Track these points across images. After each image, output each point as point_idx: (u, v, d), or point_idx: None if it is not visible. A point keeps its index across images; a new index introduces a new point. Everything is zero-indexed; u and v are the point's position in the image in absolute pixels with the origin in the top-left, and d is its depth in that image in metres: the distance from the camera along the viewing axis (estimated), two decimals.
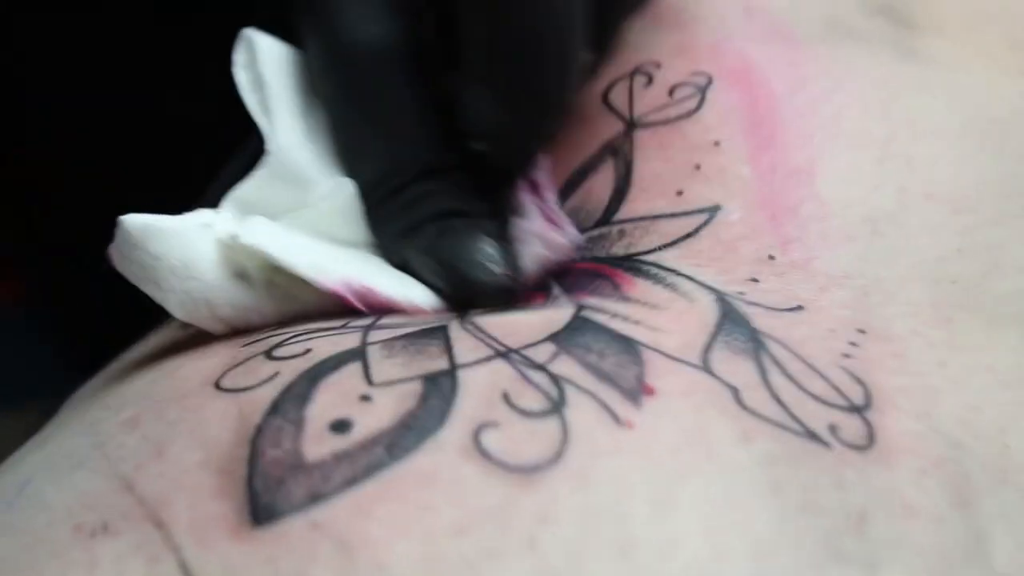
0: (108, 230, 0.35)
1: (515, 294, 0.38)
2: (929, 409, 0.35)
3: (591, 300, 0.36)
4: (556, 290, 0.38)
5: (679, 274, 0.38)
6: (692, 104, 0.43)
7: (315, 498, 0.29)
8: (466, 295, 0.38)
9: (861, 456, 0.32)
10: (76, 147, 0.65)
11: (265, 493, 0.29)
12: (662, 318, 0.35)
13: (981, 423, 0.35)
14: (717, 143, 0.41)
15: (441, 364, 0.32)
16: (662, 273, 0.38)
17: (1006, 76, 0.45)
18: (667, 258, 0.39)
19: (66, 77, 0.64)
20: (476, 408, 0.31)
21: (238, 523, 0.29)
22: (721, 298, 0.37)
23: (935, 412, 0.35)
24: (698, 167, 0.41)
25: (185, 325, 0.37)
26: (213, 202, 0.39)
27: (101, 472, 0.31)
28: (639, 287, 0.37)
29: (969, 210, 0.41)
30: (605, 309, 0.36)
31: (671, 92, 0.43)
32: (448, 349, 0.33)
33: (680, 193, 0.40)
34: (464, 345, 0.33)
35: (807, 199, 0.40)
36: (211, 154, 0.43)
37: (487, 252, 0.38)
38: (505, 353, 0.33)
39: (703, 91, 0.43)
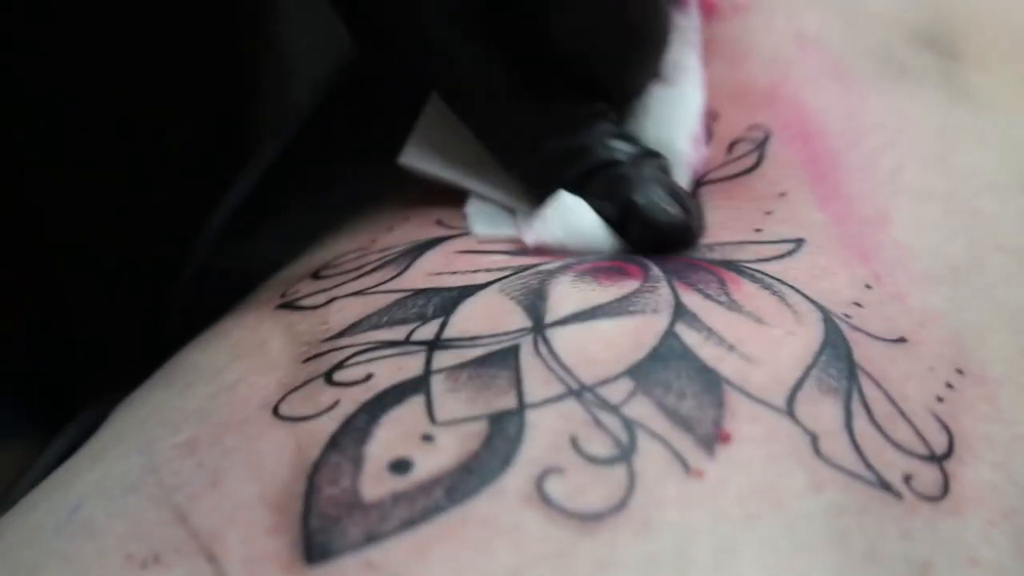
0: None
1: (693, 234, 0.39)
2: (1009, 459, 0.34)
3: (692, 298, 0.36)
4: (655, 271, 0.37)
5: (785, 283, 0.37)
6: (752, 160, 0.42)
7: (371, 538, 0.28)
8: (651, 240, 0.38)
9: (932, 506, 0.32)
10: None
11: (320, 532, 0.29)
12: (761, 341, 0.35)
13: None
14: (783, 194, 0.41)
15: (508, 402, 0.32)
16: (768, 279, 0.37)
17: None
18: (771, 268, 0.38)
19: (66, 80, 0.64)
20: (542, 453, 0.30)
21: (291, 561, 0.28)
22: (828, 318, 0.36)
23: (1015, 462, 0.34)
24: (769, 213, 0.40)
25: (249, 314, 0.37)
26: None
27: (154, 500, 0.31)
28: (746, 289, 0.36)
29: None
30: (702, 320, 0.35)
31: (730, 148, 0.43)
32: (517, 382, 0.32)
33: (759, 231, 0.40)
34: (535, 379, 0.32)
35: (886, 243, 0.40)
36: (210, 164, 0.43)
37: (662, 195, 0.39)
38: (578, 391, 0.32)
39: (761, 147, 0.43)
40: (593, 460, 0.30)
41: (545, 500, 0.29)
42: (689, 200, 0.39)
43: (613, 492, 0.29)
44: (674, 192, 0.39)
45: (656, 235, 0.38)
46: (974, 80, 0.46)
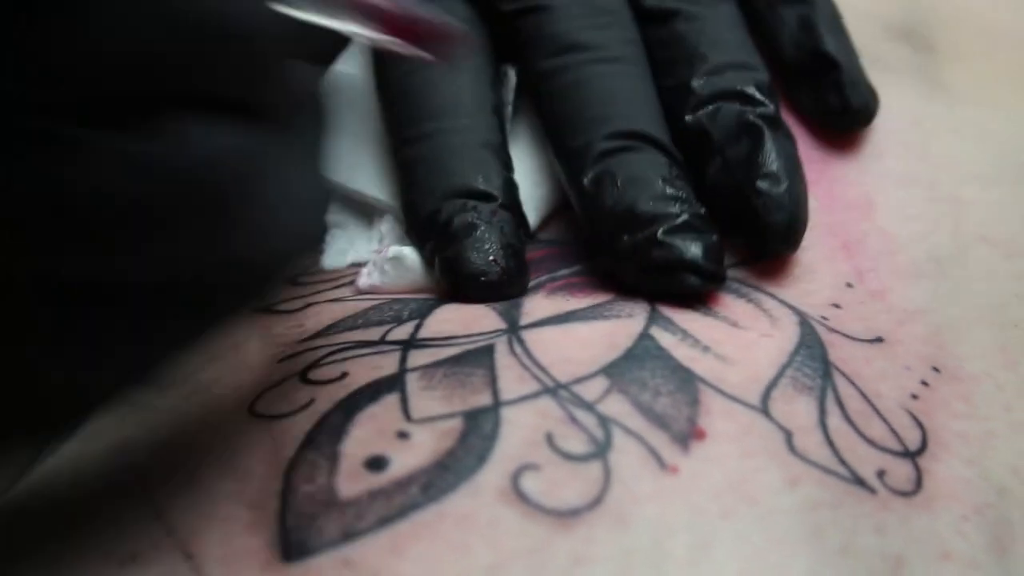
0: None
1: (507, 291, 0.38)
2: (982, 455, 0.35)
3: (667, 306, 0.36)
4: (635, 297, 0.38)
5: (761, 291, 0.38)
6: None
7: (348, 536, 0.29)
8: (458, 290, 0.38)
9: (905, 501, 0.32)
10: None
11: (297, 529, 0.29)
12: (736, 343, 0.35)
13: None
14: None
15: (484, 399, 0.32)
16: (744, 288, 0.38)
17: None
18: (748, 276, 0.39)
19: None
20: (517, 450, 0.31)
21: (269, 558, 0.29)
22: (804, 320, 0.37)
23: (988, 458, 0.35)
24: None
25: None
26: None
27: (132, 498, 0.31)
28: (721, 299, 0.37)
29: (1020, 255, 0.41)
30: (678, 324, 0.35)
31: None
32: (493, 380, 0.33)
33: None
34: (510, 376, 0.33)
35: (872, 232, 0.41)
36: None
37: (487, 250, 0.38)
38: (553, 389, 0.32)
39: None
40: (569, 457, 0.30)
41: (521, 496, 0.29)
42: (517, 258, 0.39)
43: (589, 488, 0.30)
44: (507, 246, 0.38)
45: (464, 287, 0.38)
46: (950, 74, 0.46)
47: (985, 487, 0.34)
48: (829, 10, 0.45)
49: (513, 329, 0.35)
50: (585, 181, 0.39)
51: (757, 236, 0.39)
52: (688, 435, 0.31)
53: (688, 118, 0.40)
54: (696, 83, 0.41)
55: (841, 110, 0.43)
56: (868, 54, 0.45)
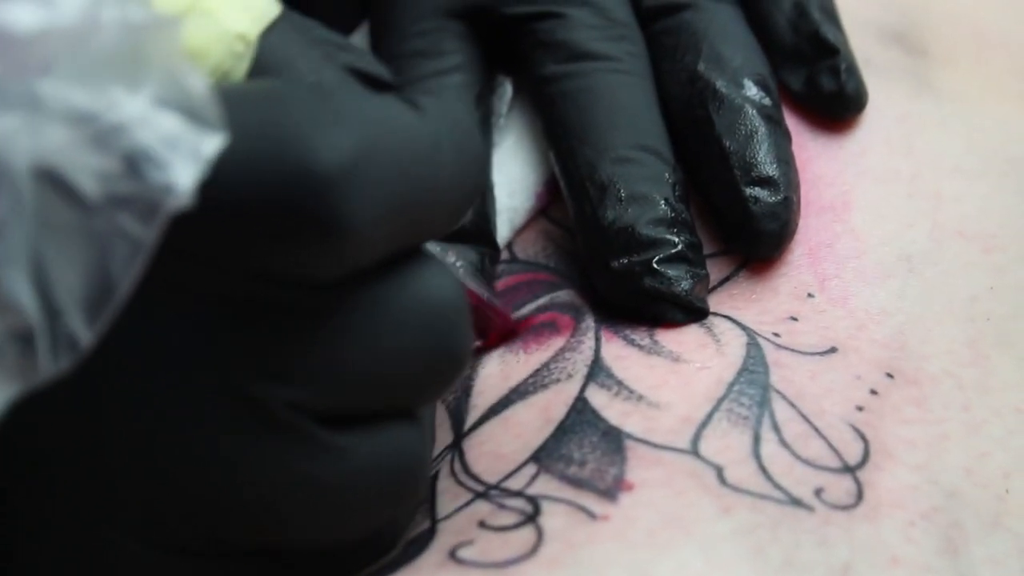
0: None
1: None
2: (932, 460, 0.37)
3: (613, 347, 0.40)
4: (587, 321, 0.41)
5: (717, 314, 0.41)
6: None
7: None
8: None
9: (846, 514, 0.35)
10: None
11: None
12: (673, 382, 0.38)
13: (985, 469, 0.37)
14: None
15: (423, 526, 0.36)
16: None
17: (1017, 110, 0.47)
18: (716, 296, 0.42)
19: None
20: (452, 536, 0.35)
21: None
22: (753, 341, 0.39)
23: (937, 462, 0.37)
24: None
25: None
26: None
27: None
28: (673, 328, 0.40)
29: (999, 249, 0.43)
30: (616, 375, 0.39)
31: None
32: (431, 508, 0.37)
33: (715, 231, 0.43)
34: (445, 497, 0.37)
35: (843, 234, 0.43)
36: None
37: None
38: (484, 493, 0.36)
39: None
40: (500, 529, 0.34)
41: (459, 561, 0.34)
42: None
43: (523, 544, 0.34)
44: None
45: None
46: (940, 76, 0.48)
47: (933, 491, 0.36)
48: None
49: (457, 441, 0.39)
50: (590, 188, 0.42)
51: (746, 239, 0.42)
52: (616, 489, 0.35)
53: (692, 103, 0.43)
54: (702, 67, 0.44)
55: (835, 95, 0.45)
56: (860, 57, 0.46)
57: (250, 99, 0.29)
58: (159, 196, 0.25)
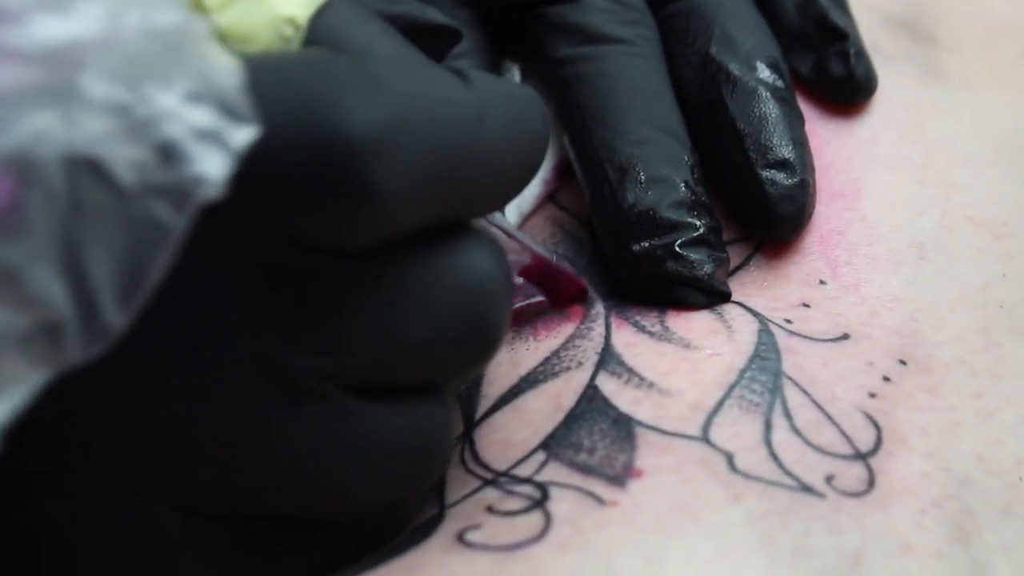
0: None
1: None
2: (944, 447, 0.37)
3: (623, 334, 0.40)
4: (597, 307, 0.41)
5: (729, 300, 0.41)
6: None
7: None
8: None
9: (857, 501, 0.35)
10: None
11: None
12: (683, 369, 0.38)
13: (998, 456, 0.38)
14: None
15: (431, 512, 0.36)
16: None
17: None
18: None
19: None
20: (460, 521, 0.35)
21: None
22: (764, 328, 0.40)
23: (950, 450, 0.37)
24: None
25: None
26: None
27: None
28: (683, 314, 0.41)
29: (1009, 236, 0.43)
30: (626, 362, 0.39)
31: None
32: (440, 495, 0.37)
33: (727, 217, 0.43)
34: (455, 485, 0.37)
35: (854, 221, 0.43)
36: None
37: None
38: (493, 480, 0.37)
39: None
40: (508, 514, 0.35)
41: (466, 544, 0.34)
42: None
43: (531, 528, 0.34)
44: None
45: None
46: (949, 63, 0.48)
47: (945, 479, 0.36)
48: None
49: (468, 431, 0.39)
50: (609, 170, 0.42)
51: (763, 222, 0.42)
52: (625, 476, 0.35)
53: (705, 86, 0.43)
54: (714, 50, 0.44)
55: (845, 79, 0.45)
56: (868, 44, 0.47)
57: (287, 67, 0.30)
58: (190, 187, 0.26)
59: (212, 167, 0.26)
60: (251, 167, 0.28)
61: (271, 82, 0.29)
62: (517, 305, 0.41)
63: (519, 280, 0.40)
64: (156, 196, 0.26)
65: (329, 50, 0.34)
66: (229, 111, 0.27)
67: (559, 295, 0.41)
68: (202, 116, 0.27)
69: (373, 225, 0.30)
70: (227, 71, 0.27)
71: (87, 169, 0.26)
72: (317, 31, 0.35)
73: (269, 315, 0.30)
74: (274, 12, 0.35)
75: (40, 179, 0.25)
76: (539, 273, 0.40)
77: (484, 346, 0.33)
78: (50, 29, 0.26)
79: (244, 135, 0.27)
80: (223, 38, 0.34)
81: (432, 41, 0.39)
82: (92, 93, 0.26)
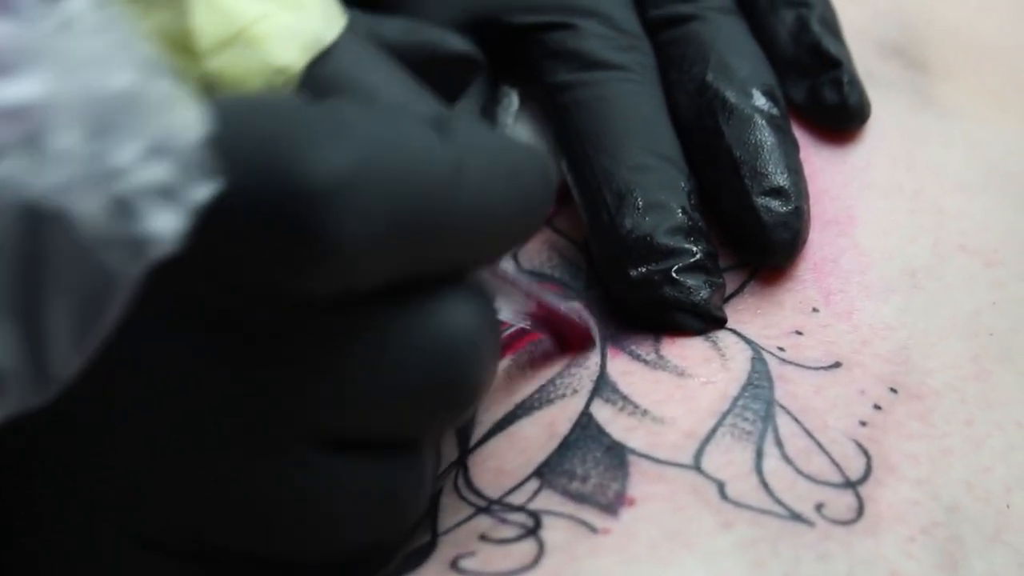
0: None
1: None
2: (933, 475, 0.38)
3: (618, 362, 0.41)
4: (596, 335, 0.42)
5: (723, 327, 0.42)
6: None
7: None
8: None
9: (846, 530, 0.36)
10: None
11: None
12: (677, 397, 0.39)
13: (987, 484, 0.39)
14: None
15: (424, 539, 0.37)
16: None
17: (1017, 124, 0.48)
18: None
19: None
20: (453, 548, 0.36)
21: None
22: (758, 356, 0.40)
23: (939, 477, 0.38)
24: None
25: None
26: None
27: None
28: (678, 342, 0.41)
29: (1000, 263, 0.44)
30: (621, 390, 0.40)
31: None
32: (433, 523, 0.38)
33: (723, 244, 0.44)
34: (447, 512, 0.38)
35: (847, 249, 0.44)
36: None
37: None
38: (486, 508, 0.37)
39: None
40: (501, 542, 0.36)
41: (460, 571, 0.35)
42: None
43: (525, 556, 0.35)
44: None
45: None
46: (940, 90, 0.49)
47: (934, 507, 0.37)
48: (828, 12, 0.48)
49: (462, 458, 0.40)
50: (607, 195, 0.43)
51: (758, 249, 0.43)
52: (617, 504, 0.36)
53: (700, 113, 0.44)
54: (711, 77, 0.45)
55: (838, 107, 0.46)
56: (861, 71, 0.47)
57: (253, 112, 0.30)
58: (143, 241, 0.27)
59: (165, 224, 0.27)
60: (210, 213, 0.28)
61: (235, 129, 0.29)
62: (509, 332, 0.42)
63: (524, 322, 0.40)
64: (111, 247, 0.27)
65: (303, 95, 0.34)
66: (187, 167, 0.27)
67: (566, 342, 0.41)
68: (159, 172, 0.27)
69: (333, 274, 0.30)
70: (189, 126, 0.27)
71: (47, 218, 0.26)
72: (316, 80, 0.36)
73: (236, 367, 0.31)
74: (266, 60, 0.35)
75: None
76: (547, 320, 0.40)
77: (458, 403, 0.33)
78: (4, 90, 0.26)
79: (202, 191, 0.27)
80: (213, 83, 0.34)
81: (453, 70, 0.39)
82: (54, 144, 0.26)
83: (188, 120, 0.28)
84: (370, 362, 0.31)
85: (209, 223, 0.28)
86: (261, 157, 0.29)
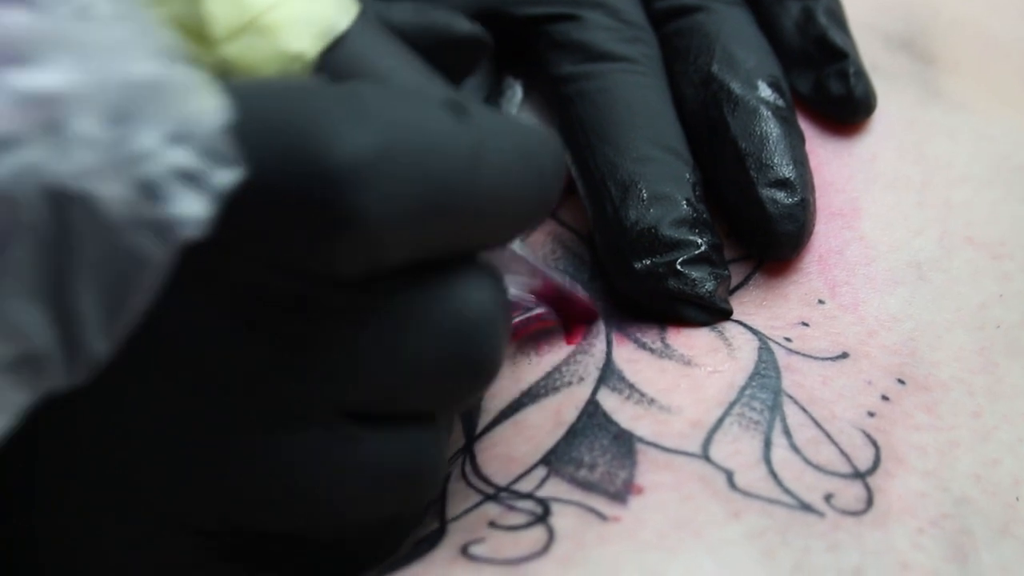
0: None
1: None
2: (942, 467, 0.38)
3: (624, 350, 0.41)
4: (598, 324, 0.42)
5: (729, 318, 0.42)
6: None
7: None
8: None
9: (856, 520, 0.36)
10: None
11: None
12: (684, 386, 0.39)
13: (996, 476, 0.39)
14: None
15: (433, 526, 0.37)
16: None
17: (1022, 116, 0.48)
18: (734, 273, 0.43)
19: None
20: (463, 535, 0.36)
21: None
22: (765, 346, 0.40)
23: (948, 469, 0.38)
24: None
25: None
26: None
27: None
28: (684, 332, 0.41)
29: (1007, 256, 0.44)
30: (628, 378, 0.40)
31: None
32: (441, 510, 0.38)
33: (728, 236, 0.44)
34: (455, 499, 0.38)
35: (853, 241, 0.44)
36: None
37: None
38: (494, 495, 0.37)
39: None
40: (511, 528, 0.35)
41: (470, 557, 0.35)
42: None
43: (534, 543, 0.35)
44: None
45: None
46: (947, 83, 0.49)
47: (943, 498, 0.37)
48: (834, 4, 0.48)
49: (469, 444, 0.40)
50: (611, 187, 0.43)
51: (763, 241, 0.43)
52: (626, 492, 0.36)
53: (706, 104, 0.44)
54: (716, 69, 0.45)
55: (844, 99, 0.46)
56: (868, 63, 0.47)
57: (274, 96, 0.30)
58: (170, 225, 0.27)
59: (192, 208, 0.27)
60: (238, 196, 0.28)
61: (258, 112, 0.29)
62: (517, 319, 0.42)
63: (530, 298, 0.40)
64: (139, 230, 0.27)
65: (321, 78, 0.35)
66: (210, 153, 0.28)
67: (571, 318, 0.41)
68: (182, 158, 0.27)
69: (360, 252, 0.30)
70: (210, 113, 0.28)
71: (73, 202, 0.26)
72: (331, 66, 0.36)
73: (259, 341, 0.31)
74: (281, 48, 0.35)
75: (23, 213, 0.26)
76: (551, 297, 0.40)
77: (477, 379, 0.33)
78: (26, 80, 0.26)
79: (226, 177, 0.28)
80: (228, 70, 0.35)
81: (461, 53, 0.40)
82: (76, 130, 0.26)
83: (209, 106, 0.28)
84: (393, 338, 0.32)
85: (237, 206, 0.28)
86: (286, 139, 0.29)
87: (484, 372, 0.33)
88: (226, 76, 0.31)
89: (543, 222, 0.36)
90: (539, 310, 0.42)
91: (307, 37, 0.36)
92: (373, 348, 0.32)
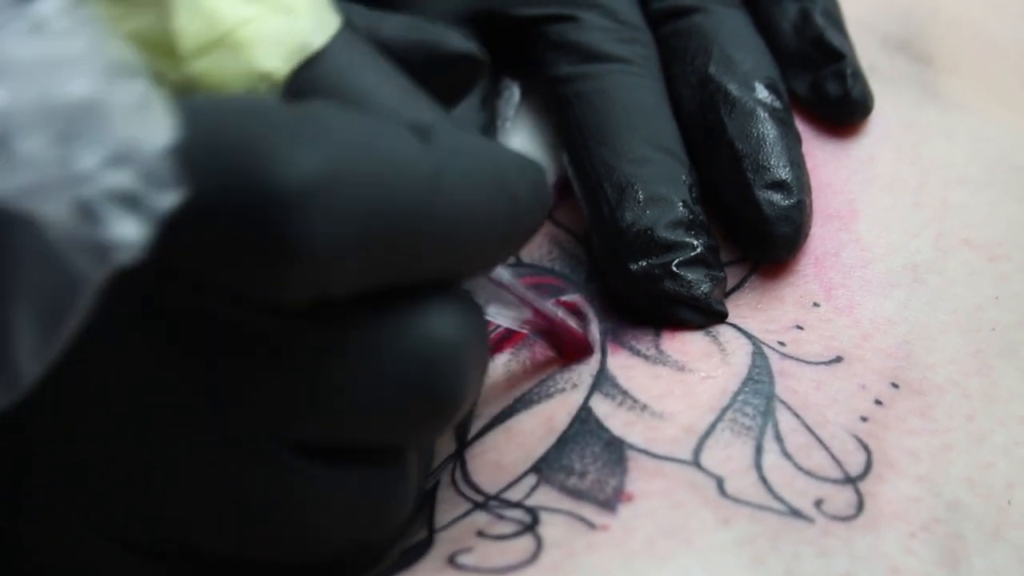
0: None
1: None
2: (935, 471, 0.38)
3: (618, 358, 0.41)
4: (595, 329, 0.42)
5: (723, 322, 0.42)
6: None
7: None
8: None
9: (846, 525, 0.36)
10: None
11: None
12: (677, 391, 0.39)
13: (989, 480, 0.39)
14: None
15: (421, 535, 0.37)
16: None
17: (1022, 118, 0.48)
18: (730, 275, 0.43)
19: None
20: (450, 545, 0.36)
21: None
22: (758, 351, 0.41)
23: (940, 473, 0.38)
24: None
25: None
26: None
27: None
28: (678, 337, 0.41)
29: (1004, 258, 0.44)
30: (621, 384, 0.40)
31: None
32: (430, 518, 0.38)
33: (725, 238, 0.44)
34: (445, 507, 0.38)
35: (849, 243, 0.44)
36: None
37: None
38: (483, 503, 0.38)
39: None
40: (499, 537, 0.36)
41: (458, 566, 0.35)
42: None
43: (523, 552, 0.35)
44: None
45: None
46: (945, 84, 0.49)
47: (935, 503, 0.37)
48: (831, 5, 0.48)
49: (460, 451, 0.40)
50: (607, 188, 0.43)
51: (760, 242, 0.43)
52: (615, 500, 0.36)
53: (703, 106, 0.44)
54: (713, 70, 0.45)
55: (841, 100, 0.46)
56: (865, 64, 0.48)
57: (226, 112, 0.30)
58: (107, 247, 0.27)
59: (129, 230, 0.27)
60: (179, 217, 0.28)
61: (206, 131, 0.29)
62: (494, 333, 0.42)
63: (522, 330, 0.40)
64: (77, 251, 0.27)
65: (275, 96, 0.34)
66: (150, 176, 0.27)
67: (565, 350, 0.41)
68: (121, 179, 0.27)
69: (305, 279, 0.29)
70: (155, 133, 0.27)
71: (14, 221, 0.26)
72: (304, 84, 0.35)
73: (199, 370, 0.31)
74: (251, 65, 0.34)
75: None
76: (543, 328, 0.40)
77: (439, 413, 0.32)
78: None
79: (165, 200, 0.27)
80: (194, 86, 0.34)
81: (455, 70, 0.39)
82: (20, 149, 0.26)
83: (154, 127, 0.27)
84: (348, 370, 0.31)
85: (178, 227, 0.28)
86: (231, 160, 0.29)
87: (446, 405, 0.32)
88: (190, 93, 0.31)
89: (518, 250, 0.36)
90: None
91: (278, 55, 0.35)
92: (320, 379, 0.31)
